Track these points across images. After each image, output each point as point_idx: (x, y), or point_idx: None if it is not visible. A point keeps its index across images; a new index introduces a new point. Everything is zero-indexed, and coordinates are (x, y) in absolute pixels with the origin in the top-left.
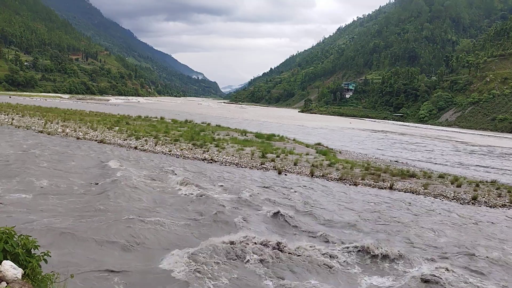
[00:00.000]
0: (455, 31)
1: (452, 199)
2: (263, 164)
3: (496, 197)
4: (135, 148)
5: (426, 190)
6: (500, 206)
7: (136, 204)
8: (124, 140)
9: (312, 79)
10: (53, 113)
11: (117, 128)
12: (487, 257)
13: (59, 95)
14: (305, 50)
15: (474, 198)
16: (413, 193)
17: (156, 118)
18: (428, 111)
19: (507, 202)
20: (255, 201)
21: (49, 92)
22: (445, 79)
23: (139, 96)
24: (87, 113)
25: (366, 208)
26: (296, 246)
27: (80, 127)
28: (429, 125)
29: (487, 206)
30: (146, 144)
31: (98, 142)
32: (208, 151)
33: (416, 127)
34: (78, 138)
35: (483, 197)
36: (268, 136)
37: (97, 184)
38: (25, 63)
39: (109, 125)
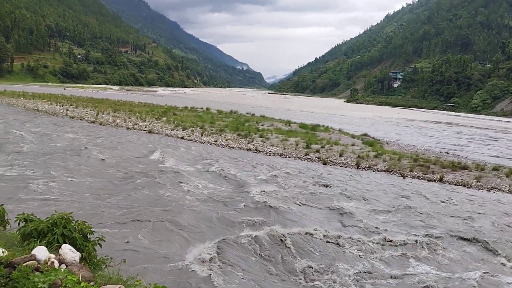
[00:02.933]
0: None
1: (508, 192)
2: (308, 154)
3: None
4: (182, 138)
5: (478, 183)
6: None
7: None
8: (171, 130)
9: (358, 68)
10: (104, 104)
11: (165, 118)
12: None
13: (110, 86)
14: (351, 38)
15: None
16: (464, 186)
17: (202, 108)
18: (481, 101)
19: None
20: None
21: (100, 84)
22: (500, 67)
23: (185, 87)
24: (136, 104)
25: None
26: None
27: (129, 118)
28: (483, 115)
29: None
30: (193, 134)
31: (146, 132)
32: (252, 142)
33: (468, 117)
34: (128, 128)
35: None
36: (313, 127)
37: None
38: (78, 56)
39: (157, 116)
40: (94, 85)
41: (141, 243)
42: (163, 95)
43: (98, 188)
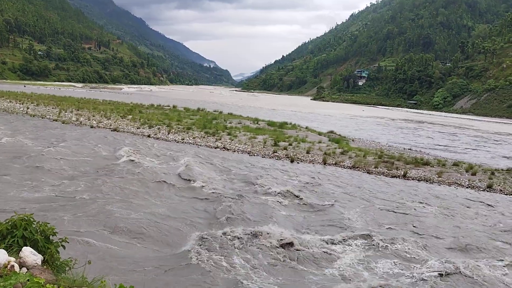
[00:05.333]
0: (471, 16)
1: (467, 187)
2: (276, 152)
3: None
4: (148, 136)
5: (440, 178)
6: None
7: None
8: (137, 128)
9: (325, 67)
10: (67, 102)
11: (130, 116)
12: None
13: (73, 84)
14: (317, 37)
15: (489, 186)
16: (427, 181)
17: (169, 106)
18: (442, 98)
19: None
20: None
21: (63, 81)
22: (460, 66)
23: (151, 84)
24: (101, 102)
25: (377, 195)
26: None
27: (94, 116)
28: (444, 113)
29: (503, 194)
30: (159, 133)
31: (111, 131)
32: (220, 139)
33: (430, 114)
34: (92, 127)
35: (499, 185)
36: (280, 124)
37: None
38: (38, 52)
39: (122, 114)
40: (56, 83)
41: (107, 244)
42: (129, 92)
43: (60, 188)
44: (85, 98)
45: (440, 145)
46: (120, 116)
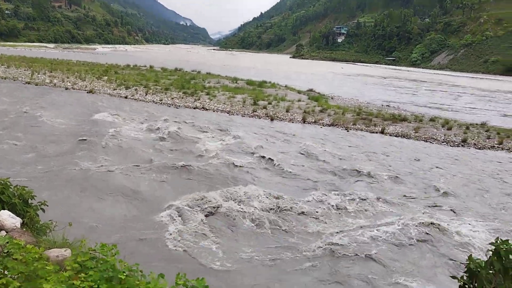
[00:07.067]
0: None
1: (442, 142)
2: (255, 111)
3: (485, 139)
4: (126, 97)
5: (417, 134)
6: (488, 148)
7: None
8: (114, 90)
9: (304, 23)
10: (39, 63)
11: (106, 78)
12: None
13: (44, 44)
14: None
15: (464, 141)
16: (404, 137)
17: (145, 66)
18: (420, 54)
19: (496, 144)
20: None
21: (34, 42)
22: (438, 21)
23: (126, 44)
24: (74, 63)
25: (353, 150)
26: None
27: (68, 77)
28: (421, 69)
29: (476, 148)
30: (137, 94)
31: (87, 93)
32: (199, 99)
33: (408, 71)
34: (66, 89)
35: (473, 140)
36: (260, 83)
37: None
38: (6, 11)
39: (98, 75)
40: (27, 43)
41: (87, 205)
42: (103, 53)
43: (37, 152)
44: (58, 59)
45: (417, 101)
46: (96, 78)
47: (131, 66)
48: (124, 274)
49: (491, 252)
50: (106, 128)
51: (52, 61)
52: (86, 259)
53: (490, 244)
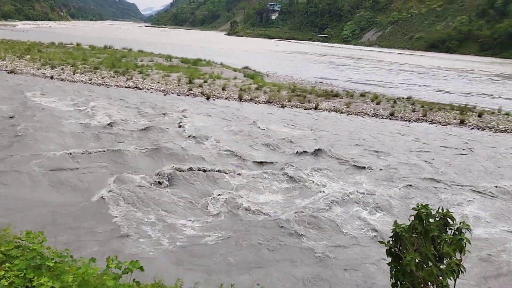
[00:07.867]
0: None
1: (372, 116)
2: (191, 90)
3: (411, 112)
4: (51, 77)
5: (348, 109)
6: (414, 120)
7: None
8: (38, 69)
9: (238, 0)
10: None
11: (29, 56)
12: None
13: None
14: None
15: (392, 114)
16: (336, 112)
17: (72, 44)
18: (351, 32)
19: (420, 116)
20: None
21: None
22: None
23: (49, 20)
24: None
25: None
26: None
27: None
28: (352, 45)
29: (403, 121)
30: (63, 73)
31: (8, 73)
32: (132, 79)
33: (339, 47)
34: None
35: (399, 113)
36: (195, 61)
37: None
38: None
39: (19, 54)
40: None
41: (8, 191)
42: (25, 30)
43: None
44: None
45: (348, 77)
46: (17, 56)
47: (56, 44)
48: (53, 261)
49: (413, 217)
50: (31, 109)
51: None
52: (10, 248)
53: (412, 209)
